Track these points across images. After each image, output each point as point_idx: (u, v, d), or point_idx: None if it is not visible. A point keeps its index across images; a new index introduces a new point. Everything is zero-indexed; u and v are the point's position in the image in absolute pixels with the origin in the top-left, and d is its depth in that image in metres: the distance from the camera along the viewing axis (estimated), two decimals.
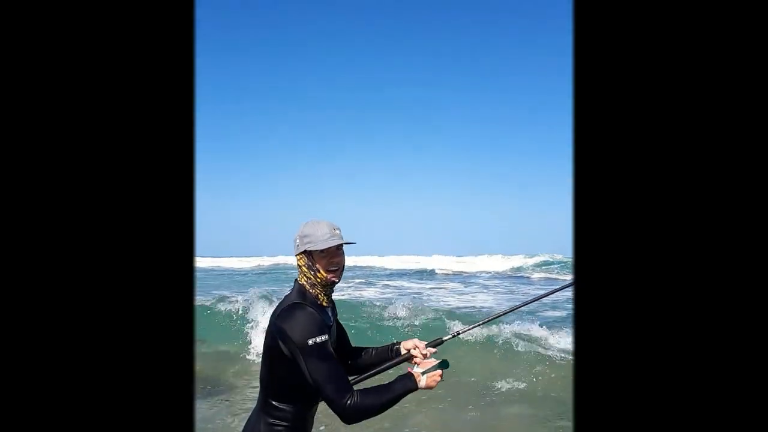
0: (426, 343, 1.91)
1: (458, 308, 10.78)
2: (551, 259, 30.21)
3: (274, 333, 1.66)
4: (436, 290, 16.37)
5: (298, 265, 1.74)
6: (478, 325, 2.19)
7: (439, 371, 1.75)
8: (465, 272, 26.97)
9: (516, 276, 24.22)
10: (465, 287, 17.49)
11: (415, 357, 1.87)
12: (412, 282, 20.09)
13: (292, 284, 1.78)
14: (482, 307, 11.42)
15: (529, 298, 2.47)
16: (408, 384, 1.67)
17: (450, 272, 27.16)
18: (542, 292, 2.42)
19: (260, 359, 1.79)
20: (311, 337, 1.59)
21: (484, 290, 16.39)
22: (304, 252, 1.71)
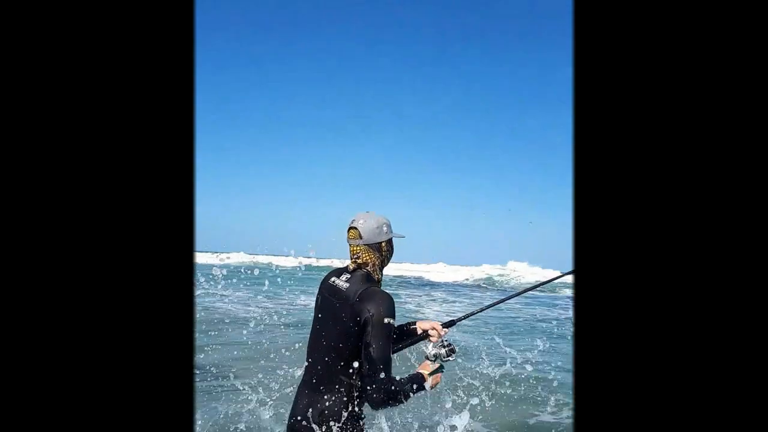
0: (442, 323, 2.11)
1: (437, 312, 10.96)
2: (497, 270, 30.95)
3: (357, 311, 1.80)
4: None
5: (378, 249, 1.95)
6: (486, 308, 2.40)
7: (440, 374, 1.93)
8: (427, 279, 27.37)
9: (474, 285, 24.88)
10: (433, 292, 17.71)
11: (432, 337, 2.06)
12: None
13: (349, 270, 1.95)
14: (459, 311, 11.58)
15: (529, 285, 2.72)
16: (421, 386, 1.86)
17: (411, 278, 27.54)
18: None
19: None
20: (389, 317, 1.78)
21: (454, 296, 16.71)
22: (389, 240, 1.99)
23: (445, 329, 2.08)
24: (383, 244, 1.96)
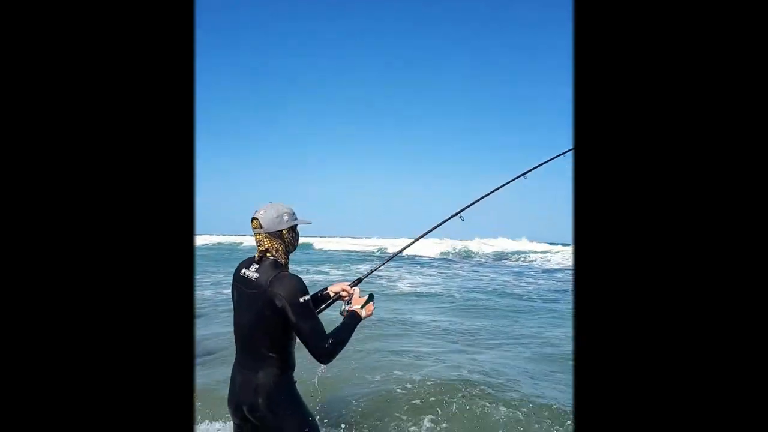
0: (349, 283, 2.45)
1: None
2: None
3: (270, 298, 2.03)
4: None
5: (280, 237, 2.15)
6: (387, 261, 2.87)
7: (371, 303, 2.30)
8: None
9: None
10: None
11: (344, 296, 2.38)
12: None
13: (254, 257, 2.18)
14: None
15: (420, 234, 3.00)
16: (356, 319, 2.21)
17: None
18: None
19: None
20: (302, 295, 2.03)
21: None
22: (293, 227, 2.19)
23: (354, 288, 2.42)
24: (284, 231, 2.15)
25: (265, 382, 2.10)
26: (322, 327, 2.07)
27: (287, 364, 2.16)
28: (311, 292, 2.14)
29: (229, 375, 2.23)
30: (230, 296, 2.27)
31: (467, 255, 28.66)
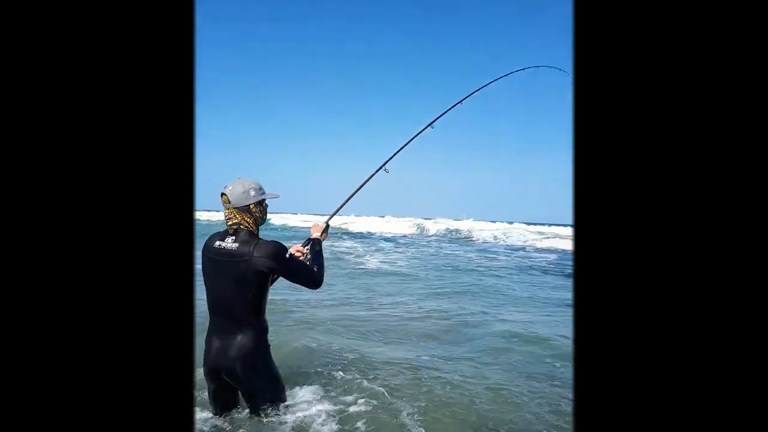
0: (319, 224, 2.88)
1: None
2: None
3: (257, 263, 2.25)
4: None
5: (248, 211, 2.34)
6: (337, 211, 3.11)
7: (326, 233, 2.82)
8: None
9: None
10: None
11: (313, 231, 2.80)
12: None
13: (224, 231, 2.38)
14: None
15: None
16: (318, 244, 2.67)
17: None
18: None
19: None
20: (283, 250, 2.31)
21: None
22: (260, 201, 2.37)
23: (321, 224, 2.83)
24: (251, 206, 2.34)
25: (245, 345, 2.28)
26: (307, 266, 2.46)
27: (263, 327, 2.37)
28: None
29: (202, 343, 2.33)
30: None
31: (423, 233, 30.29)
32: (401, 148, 3.33)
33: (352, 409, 2.78)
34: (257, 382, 2.35)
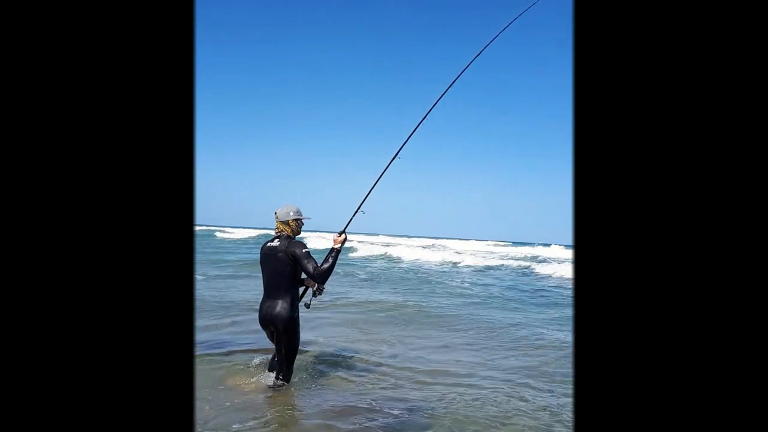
0: (338, 233, 3.99)
1: None
2: None
3: (287, 253, 3.74)
4: None
5: (287, 224, 3.87)
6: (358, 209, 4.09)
7: (344, 238, 3.91)
8: None
9: None
10: None
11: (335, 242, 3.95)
12: None
13: (275, 235, 3.91)
14: None
15: None
16: (333, 250, 3.79)
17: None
18: None
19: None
20: (304, 248, 3.75)
21: None
22: (296, 219, 3.91)
23: (341, 236, 3.93)
24: (290, 221, 3.90)
25: (283, 307, 3.74)
26: (317, 263, 3.70)
27: (296, 298, 3.86)
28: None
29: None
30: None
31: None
32: (412, 133, 4.08)
33: None
34: (287, 335, 3.76)
